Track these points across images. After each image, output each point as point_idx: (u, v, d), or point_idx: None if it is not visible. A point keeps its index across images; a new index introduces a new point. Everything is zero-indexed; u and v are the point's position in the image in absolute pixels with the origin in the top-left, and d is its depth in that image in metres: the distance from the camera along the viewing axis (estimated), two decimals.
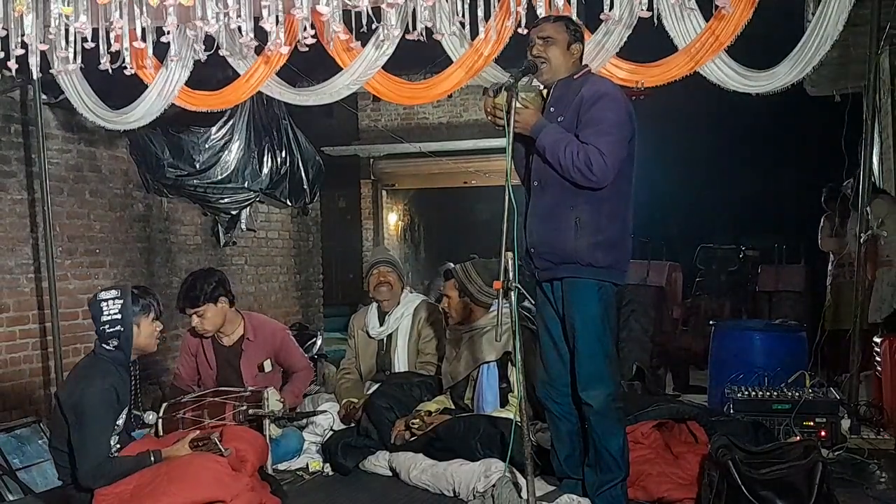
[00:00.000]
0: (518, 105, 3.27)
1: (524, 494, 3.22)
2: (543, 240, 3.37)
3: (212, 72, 5.22)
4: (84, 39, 4.61)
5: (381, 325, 4.98)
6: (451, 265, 4.63)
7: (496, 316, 3.14)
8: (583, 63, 3.52)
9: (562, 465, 3.54)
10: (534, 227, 3.40)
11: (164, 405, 4.11)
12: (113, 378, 3.48)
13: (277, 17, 4.37)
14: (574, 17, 3.99)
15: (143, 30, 4.55)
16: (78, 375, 3.56)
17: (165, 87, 5.04)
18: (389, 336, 4.96)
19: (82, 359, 3.72)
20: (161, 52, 4.88)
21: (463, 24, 4.49)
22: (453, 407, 4.38)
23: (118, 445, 3.54)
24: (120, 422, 3.54)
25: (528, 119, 3.32)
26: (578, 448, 3.50)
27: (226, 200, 7.89)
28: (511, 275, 3.06)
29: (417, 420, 4.18)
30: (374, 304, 5.06)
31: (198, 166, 7.45)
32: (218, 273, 4.63)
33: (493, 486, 3.49)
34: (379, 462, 4.19)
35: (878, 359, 4.97)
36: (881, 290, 6.03)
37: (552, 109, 3.39)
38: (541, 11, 4.20)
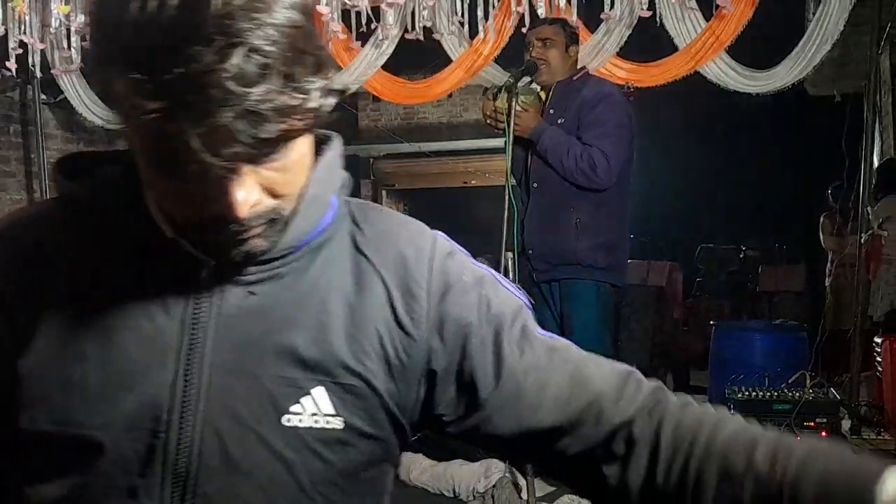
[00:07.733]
0: (517, 108, 3.25)
1: (524, 495, 3.21)
2: (542, 241, 3.36)
3: None
4: (84, 39, 4.60)
5: None
6: None
7: None
8: (578, 65, 3.52)
9: None
10: (532, 228, 3.39)
11: None
12: None
13: None
14: (570, 19, 3.99)
15: None
16: None
17: None
18: None
19: None
20: None
21: (462, 24, 4.49)
22: None
23: None
24: None
25: (528, 122, 3.30)
26: None
27: None
28: (511, 275, 3.05)
29: None
30: None
31: None
32: None
33: (493, 486, 3.48)
34: None
35: (878, 359, 4.96)
36: (882, 287, 6.02)
37: (552, 111, 3.38)
38: (541, 11, 4.19)
